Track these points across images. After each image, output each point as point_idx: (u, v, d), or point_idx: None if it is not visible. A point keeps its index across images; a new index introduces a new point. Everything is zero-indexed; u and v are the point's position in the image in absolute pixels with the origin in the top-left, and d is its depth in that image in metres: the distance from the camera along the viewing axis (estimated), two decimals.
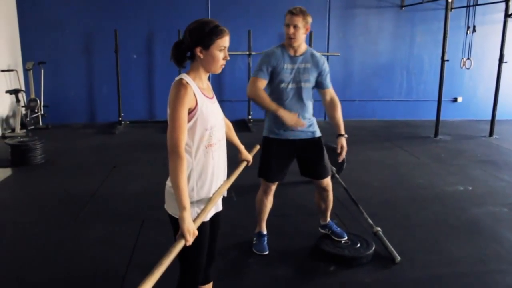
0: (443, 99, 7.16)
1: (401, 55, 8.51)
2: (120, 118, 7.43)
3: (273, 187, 3.12)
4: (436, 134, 7.13)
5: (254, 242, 3.20)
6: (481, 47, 8.24)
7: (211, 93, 1.89)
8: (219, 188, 1.91)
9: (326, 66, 2.96)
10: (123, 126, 7.37)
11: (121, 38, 7.17)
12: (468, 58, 7.60)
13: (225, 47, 1.79)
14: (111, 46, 7.19)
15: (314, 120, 3.04)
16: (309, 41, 7.55)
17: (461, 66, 7.72)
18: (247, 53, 7.59)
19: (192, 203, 1.78)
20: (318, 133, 3.02)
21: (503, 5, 7.15)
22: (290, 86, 2.88)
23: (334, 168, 4.66)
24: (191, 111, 1.73)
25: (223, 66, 1.84)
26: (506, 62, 6.97)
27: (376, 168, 5.39)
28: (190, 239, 1.62)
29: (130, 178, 4.76)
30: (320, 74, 2.95)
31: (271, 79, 2.90)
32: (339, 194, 4.33)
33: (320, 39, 8.01)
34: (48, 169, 5.06)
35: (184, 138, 1.69)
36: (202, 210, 1.74)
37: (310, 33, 7.55)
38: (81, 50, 7.48)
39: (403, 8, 8.20)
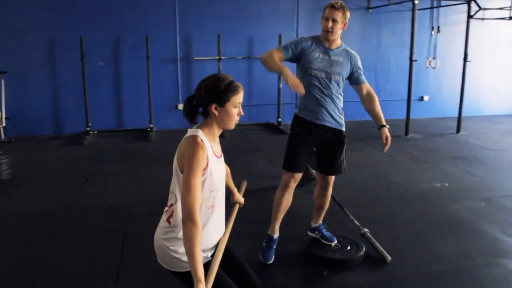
0: (405, 98, 7.32)
1: (368, 56, 8.62)
2: (88, 128, 7.17)
3: (297, 178, 3.02)
4: (406, 133, 7.28)
5: (263, 245, 3.12)
6: (445, 47, 8.49)
7: (219, 151, 1.87)
8: (220, 244, 1.83)
9: (359, 63, 2.97)
10: (92, 136, 7.13)
11: (86, 46, 6.94)
12: (433, 58, 7.81)
13: (239, 103, 1.78)
14: (76, 54, 6.94)
15: (342, 116, 3.02)
16: (279, 44, 7.56)
17: (427, 65, 7.93)
18: (217, 58, 7.51)
19: None
20: (344, 128, 3.01)
21: (465, 6, 7.40)
22: (320, 75, 2.86)
23: (314, 170, 4.67)
24: (202, 171, 1.70)
25: (237, 122, 1.82)
26: (470, 61, 7.19)
27: (354, 169, 5.40)
28: None
29: (106, 191, 4.58)
30: (353, 71, 2.95)
31: (300, 63, 2.91)
32: None
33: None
34: (16, 185, 4.81)
35: (199, 203, 1.64)
36: (210, 272, 1.64)
37: (279, 36, 7.56)
38: (44, 59, 7.17)
39: (370, 10, 8.34)
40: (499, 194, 4.45)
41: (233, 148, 6.39)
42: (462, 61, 7.23)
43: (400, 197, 4.41)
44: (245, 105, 9.09)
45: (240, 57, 7.85)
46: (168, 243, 1.77)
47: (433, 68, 7.85)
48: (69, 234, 3.53)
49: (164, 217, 1.83)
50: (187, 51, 7.72)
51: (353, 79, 2.99)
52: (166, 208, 1.84)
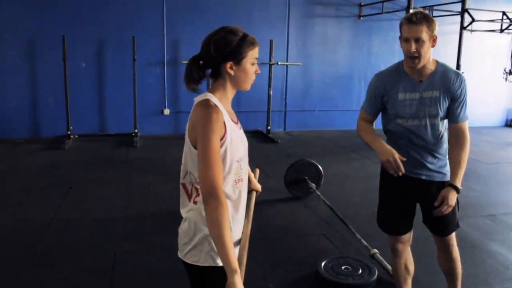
0: None
1: (358, 64, 8.53)
2: (69, 132, 6.79)
3: (402, 241, 2.38)
4: None
5: None
6: (437, 57, 8.43)
7: (235, 117, 1.58)
8: (244, 230, 1.58)
9: (462, 90, 2.12)
10: (72, 141, 6.75)
11: (69, 45, 6.57)
12: None
13: (256, 59, 1.51)
14: (57, 53, 6.56)
15: (446, 161, 2.25)
16: (269, 51, 7.36)
17: None
18: None
19: None
20: (448, 177, 2.21)
21: (456, 17, 7.36)
22: (411, 123, 2.16)
23: (313, 184, 4.47)
24: (220, 140, 1.41)
25: (253, 82, 1.55)
26: (463, 73, 7.11)
27: (351, 182, 5.24)
28: None
29: (91, 202, 4.25)
30: (452, 101, 2.14)
31: (386, 112, 2.25)
32: (320, 211, 4.15)
33: (280, 47, 7.84)
34: None
35: (221, 176, 1.37)
36: (240, 265, 1.37)
37: (271, 42, 7.36)
38: (23, 58, 6.77)
39: (361, 18, 8.23)
40: (502, 211, 4.32)
41: None
42: None
43: None
44: (235, 111, 8.94)
45: None
46: (203, 227, 1.44)
47: None
48: (52, 252, 3.19)
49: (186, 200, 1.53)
50: (174, 54, 7.43)
51: (449, 114, 2.17)
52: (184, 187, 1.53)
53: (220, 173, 1.35)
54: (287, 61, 7.99)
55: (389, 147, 2.08)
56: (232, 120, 1.51)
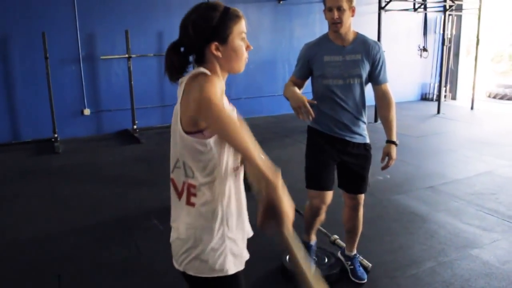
0: None
1: (281, 49, 8.52)
2: None
3: (325, 201, 2.56)
4: None
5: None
6: None
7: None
8: None
9: (380, 55, 2.43)
10: None
11: None
12: None
13: (245, 33, 1.32)
14: None
15: (365, 125, 2.55)
16: None
17: None
18: (126, 56, 6.79)
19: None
20: (368, 140, 2.56)
21: None
22: (335, 82, 2.40)
23: None
24: None
25: (246, 61, 1.36)
26: (384, 51, 7.36)
27: (292, 168, 5.16)
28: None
29: (18, 221, 3.75)
30: (372, 66, 2.42)
31: (313, 75, 2.48)
32: None
33: None
34: None
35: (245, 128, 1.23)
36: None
37: None
38: None
39: (281, 2, 8.20)
40: (439, 181, 4.52)
41: (154, 155, 5.80)
42: None
43: None
44: (159, 106, 8.37)
45: (152, 55, 7.21)
46: (206, 235, 1.29)
47: None
48: None
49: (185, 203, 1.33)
50: (90, 49, 6.87)
51: (371, 78, 2.47)
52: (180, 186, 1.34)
53: (245, 132, 1.21)
54: None
55: (300, 94, 2.31)
56: (227, 101, 1.33)
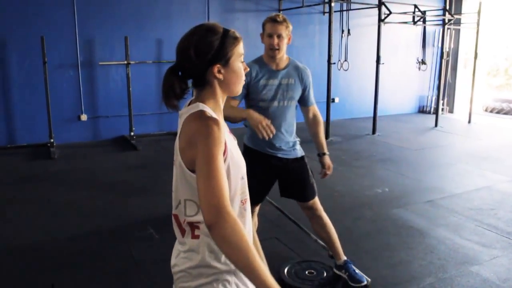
0: (322, 100, 7.31)
1: None
2: None
3: (255, 210, 2.72)
4: (327, 136, 7.25)
5: None
6: (354, 49, 8.69)
7: (227, 127, 1.35)
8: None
9: (311, 80, 2.64)
10: None
11: None
12: (345, 60, 7.93)
13: (243, 55, 1.31)
14: None
15: (298, 140, 2.71)
16: None
17: (339, 68, 8.03)
18: (125, 62, 6.76)
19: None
20: (300, 154, 2.69)
21: (373, 10, 7.62)
22: (271, 105, 2.53)
23: None
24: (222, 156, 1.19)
25: (244, 83, 1.34)
26: (383, 64, 7.40)
27: None
28: None
29: (12, 227, 3.69)
30: (304, 90, 2.63)
31: (248, 98, 2.56)
32: (266, 212, 3.97)
33: None
34: None
35: (228, 194, 1.13)
36: None
37: None
38: None
39: (281, 12, 8.21)
40: (438, 195, 4.49)
41: (151, 162, 5.76)
42: (369, 63, 7.44)
43: (348, 207, 4.22)
44: (157, 113, 8.34)
45: (150, 62, 7.18)
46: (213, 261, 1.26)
47: (345, 70, 7.97)
48: None
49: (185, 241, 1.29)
50: (89, 55, 6.84)
51: (300, 99, 2.66)
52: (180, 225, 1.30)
53: (226, 189, 1.12)
54: None
55: (257, 114, 2.34)
56: (228, 131, 1.31)
